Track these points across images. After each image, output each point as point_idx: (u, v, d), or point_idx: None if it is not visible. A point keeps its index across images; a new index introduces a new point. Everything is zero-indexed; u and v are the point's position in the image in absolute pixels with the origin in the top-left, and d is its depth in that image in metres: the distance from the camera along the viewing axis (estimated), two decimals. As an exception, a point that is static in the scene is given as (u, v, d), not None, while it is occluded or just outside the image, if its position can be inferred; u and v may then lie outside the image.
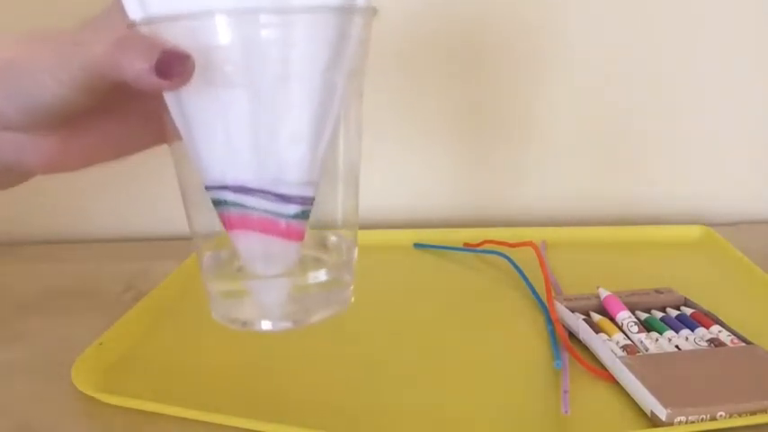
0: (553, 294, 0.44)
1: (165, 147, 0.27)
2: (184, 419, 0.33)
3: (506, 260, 0.51)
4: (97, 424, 0.34)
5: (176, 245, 0.58)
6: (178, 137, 0.25)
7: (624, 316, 0.39)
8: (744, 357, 0.35)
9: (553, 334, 0.40)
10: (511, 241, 0.54)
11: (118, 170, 0.63)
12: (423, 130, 0.63)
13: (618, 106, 0.62)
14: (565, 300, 0.43)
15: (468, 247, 0.55)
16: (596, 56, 0.60)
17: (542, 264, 0.48)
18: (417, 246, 0.57)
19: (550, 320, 0.41)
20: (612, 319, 0.40)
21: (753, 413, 0.31)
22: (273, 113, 0.23)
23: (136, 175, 0.64)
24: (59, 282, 0.53)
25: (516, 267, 0.49)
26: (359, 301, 0.47)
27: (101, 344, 0.39)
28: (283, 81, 0.22)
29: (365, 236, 0.58)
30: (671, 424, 0.30)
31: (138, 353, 0.40)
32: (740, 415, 0.31)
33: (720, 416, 0.31)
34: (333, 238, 0.28)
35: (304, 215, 0.25)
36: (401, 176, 0.64)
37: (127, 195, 0.65)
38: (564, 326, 0.41)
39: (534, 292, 0.46)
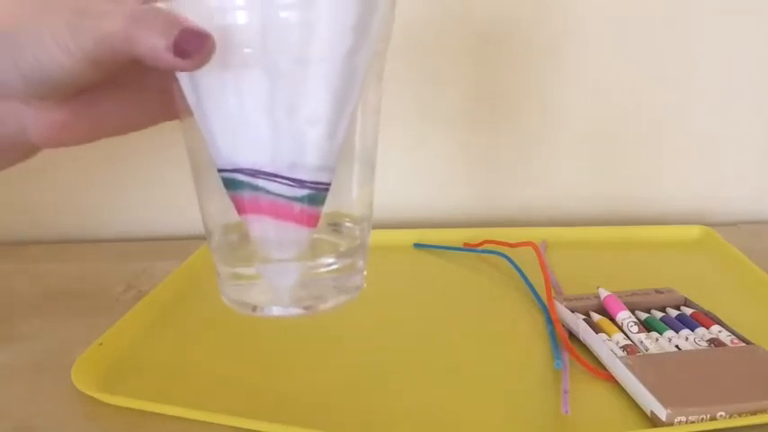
0: (553, 294, 0.44)
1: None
2: (184, 419, 0.33)
3: (506, 260, 0.51)
4: (97, 424, 0.34)
5: (176, 245, 0.58)
6: (189, 113, 0.24)
7: (624, 316, 0.39)
8: (744, 357, 0.35)
9: (553, 334, 0.40)
10: (511, 241, 0.53)
11: (118, 170, 0.64)
12: (422, 132, 0.63)
13: (618, 107, 0.62)
14: (565, 300, 0.43)
15: (468, 247, 0.55)
16: (595, 58, 0.60)
17: (542, 264, 0.48)
18: (417, 246, 0.57)
19: (550, 320, 0.41)
20: (612, 319, 0.40)
21: (753, 413, 0.31)
22: (291, 95, 0.22)
23: (136, 176, 0.64)
24: (59, 282, 0.53)
25: (516, 267, 0.49)
26: (358, 302, 0.47)
27: (101, 344, 0.39)
28: (303, 64, 0.22)
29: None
30: (671, 424, 0.30)
31: (138, 353, 0.40)
32: (740, 415, 0.31)
33: (720, 416, 0.31)
34: (347, 223, 0.27)
35: (319, 201, 0.24)
36: (401, 177, 0.64)
37: (127, 195, 0.65)
38: (564, 326, 0.41)
39: (534, 292, 0.46)
